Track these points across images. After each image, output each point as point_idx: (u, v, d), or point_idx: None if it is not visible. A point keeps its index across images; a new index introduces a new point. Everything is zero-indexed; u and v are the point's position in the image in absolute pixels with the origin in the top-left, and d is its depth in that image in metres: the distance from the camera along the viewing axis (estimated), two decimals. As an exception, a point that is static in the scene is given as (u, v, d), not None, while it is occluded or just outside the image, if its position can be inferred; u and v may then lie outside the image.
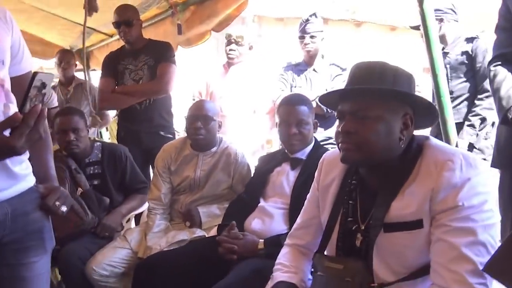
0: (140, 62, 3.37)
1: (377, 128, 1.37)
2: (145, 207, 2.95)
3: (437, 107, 2.16)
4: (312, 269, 1.65)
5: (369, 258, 1.42)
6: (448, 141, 2.17)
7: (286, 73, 3.71)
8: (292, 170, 2.35)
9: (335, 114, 1.51)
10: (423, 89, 5.22)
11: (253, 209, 2.36)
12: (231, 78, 3.73)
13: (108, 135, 5.46)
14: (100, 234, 2.72)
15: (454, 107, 3.35)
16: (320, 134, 3.32)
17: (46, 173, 1.55)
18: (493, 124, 3.28)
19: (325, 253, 1.57)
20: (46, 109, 1.21)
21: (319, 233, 1.63)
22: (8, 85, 1.37)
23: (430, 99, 2.73)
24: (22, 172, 1.41)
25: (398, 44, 9.11)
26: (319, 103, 2.01)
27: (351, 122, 1.39)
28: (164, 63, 3.32)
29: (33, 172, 1.48)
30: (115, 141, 3.67)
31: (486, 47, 3.36)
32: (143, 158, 3.38)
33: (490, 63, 2.01)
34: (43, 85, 1.17)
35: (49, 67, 6.26)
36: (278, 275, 1.67)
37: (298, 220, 1.77)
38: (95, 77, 4.66)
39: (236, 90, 3.67)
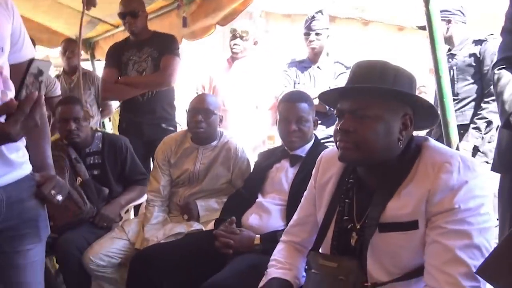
0: (144, 54, 3.37)
1: (376, 128, 1.36)
2: (144, 198, 2.96)
3: (439, 108, 2.15)
4: (306, 267, 1.65)
5: (363, 258, 1.41)
6: (449, 143, 2.15)
7: (290, 69, 3.70)
8: (291, 167, 2.35)
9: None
10: (430, 90, 5.20)
11: (251, 204, 2.37)
12: (235, 72, 3.72)
13: (110, 126, 5.46)
14: (98, 224, 2.72)
15: (459, 109, 3.34)
16: (322, 132, 3.31)
17: (43, 161, 1.55)
18: (498, 127, 3.27)
19: (320, 251, 1.57)
20: (43, 96, 1.20)
21: (315, 230, 1.62)
22: (6, 72, 1.37)
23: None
24: (18, 160, 1.40)
25: (405, 44, 9.09)
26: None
27: (350, 120, 1.39)
28: (168, 56, 3.32)
29: (30, 160, 1.48)
30: (118, 132, 3.67)
31: (494, 50, 3.32)
32: (144, 149, 3.38)
33: (494, 66, 2.00)
34: (40, 72, 1.16)
35: (55, 56, 6.27)
36: (273, 271, 1.67)
37: (295, 217, 1.77)
38: (100, 67, 4.67)
39: (239, 85, 3.66)
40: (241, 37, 3.67)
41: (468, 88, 3.41)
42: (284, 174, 2.34)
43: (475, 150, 3.26)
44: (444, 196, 1.29)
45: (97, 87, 4.36)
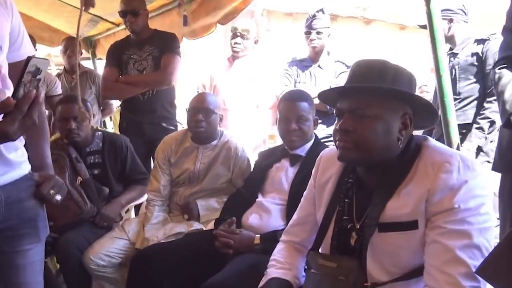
0: (144, 53, 3.36)
1: (376, 127, 1.35)
2: (144, 198, 2.95)
3: (440, 108, 2.14)
4: (306, 267, 1.64)
5: (363, 257, 1.40)
6: (450, 142, 2.14)
7: (291, 68, 3.70)
8: (291, 166, 2.34)
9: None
10: (431, 89, 5.18)
11: (251, 204, 2.36)
12: (235, 71, 3.72)
13: (112, 125, 5.46)
14: (99, 224, 2.72)
15: (461, 108, 3.34)
16: (322, 131, 3.31)
17: (42, 161, 1.55)
18: (500, 127, 3.25)
19: (320, 251, 1.56)
20: (42, 95, 1.19)
21: (315, 230, 1.62)
22: (5, 70, 1.37)
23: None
24: (17, 160, 1.40)
25: (407, 44, 9.07)
26: (321, 100, 1.99)
27: (350, 120, 1.38)
28: (168, 54, 3.31)
29: (29, 159, 1.48)
30: (118, 131, 3.67)
31: (497, 49, 3.31)
32: (145, 149, 3.38)
33: (495, 65, 2.00)
34: (38, 70, 1.15)
35: (56, 54, 6.28)
36: (272, 271, 1.66)
37: (294, 216, 1.77)
38: (102, 66, 4.67)
39: (240, 84, 3.66)
40: (242, 36, 3.67)
41: (470, 87, 3.40)
42: (284, 173, 2.34)
43: (479, 150, 3.25)
44: (444, 196, 1.28)
45: (98, 86, 4.36)
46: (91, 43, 5.11)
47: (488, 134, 3.26)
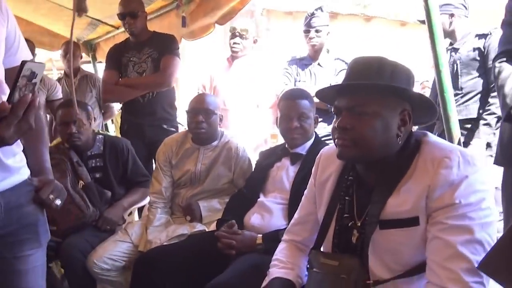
0: (144, 55, 3.36)
1: (374, 124, 1.35)
2: (147, 200, 2.95)
3: (440, 103, 2.13)
4: (308, 265, 1.64)
5: (364, 255, 1.40)
6: (450, 137, 2.13)
7: (291, 67, 3.69)
8: (292, 165, 2.34)
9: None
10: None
11: (253, 204, 2.36)
12: (235, 71, 3.72)
13: (113, 128, 5.47)
14: (102, 227, 2.72)
15: (463, 103, 3.32)
16: (323, 129, 3.30)
17: (41, 165, 1.54)
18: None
19: (321, 249, 1.56)
20: (40, 99, 1.19)
21: (316, 229, 1.61)
22: (1, 76, 1.36)
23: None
24: (16, 165, 1.40)
25: (408, 40, 9.07)
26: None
27: (348, 118, 1.38)
28: (167, 56, 3.31)
29: (28, 164, 1.47)
30: (119, 134, 3.67)
31: (498, 43, 3.30)
32: (146, 151, 3.37)
33: (495, 59, 1.99)
34: (33, 74, 1.14)
35: (57, 58, 6.29)
36: (275, 271, 1.66)
37: (296, 216, 1.76)
38: (102, 69, 4.68)
39: (240, 84, 3.65)
40: (241, 36, 3.66)
41: (472, 82, 3.37)
42: (285, 172, 2.33)
43: (488, 146, 3.22)
44: (444, 192, 1.27)
45: (98, 89, 4.36)
46: (91, 47, 5.12)
47: (496, 129, 3.22)
